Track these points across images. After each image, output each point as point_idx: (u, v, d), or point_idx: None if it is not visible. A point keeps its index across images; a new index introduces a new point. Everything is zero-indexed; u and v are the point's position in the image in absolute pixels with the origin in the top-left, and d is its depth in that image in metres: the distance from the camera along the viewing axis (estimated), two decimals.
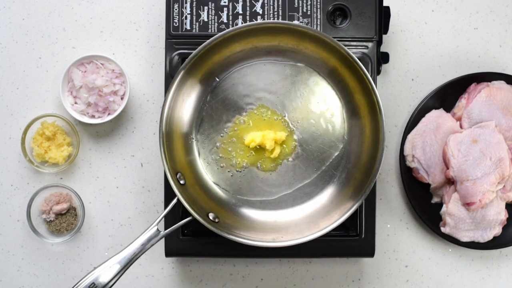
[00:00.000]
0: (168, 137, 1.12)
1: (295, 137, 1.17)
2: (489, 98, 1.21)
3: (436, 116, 1.22)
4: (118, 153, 1.25)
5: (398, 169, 1.25)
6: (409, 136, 1.22)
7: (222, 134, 1.17)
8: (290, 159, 1.17)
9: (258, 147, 1.16)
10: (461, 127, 1.22)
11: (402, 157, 1.22)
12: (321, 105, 1.17)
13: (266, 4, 1.18)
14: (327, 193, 1.17)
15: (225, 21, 1.19)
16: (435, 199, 1.23)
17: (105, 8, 1.25)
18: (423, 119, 1.22)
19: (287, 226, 1.15)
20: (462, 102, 1.22)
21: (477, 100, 1.21)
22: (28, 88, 1.25)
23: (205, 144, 1.17)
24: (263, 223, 1.16)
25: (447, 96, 1.23)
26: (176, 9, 1.18)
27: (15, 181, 1.25)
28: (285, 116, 1.17)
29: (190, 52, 1.12)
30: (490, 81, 1.22)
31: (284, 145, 1.17)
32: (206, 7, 1.19)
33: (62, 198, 1.22)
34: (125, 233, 1.25)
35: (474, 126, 1.20)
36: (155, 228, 1.08)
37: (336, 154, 1.17)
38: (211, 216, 1.12)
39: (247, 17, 1.19)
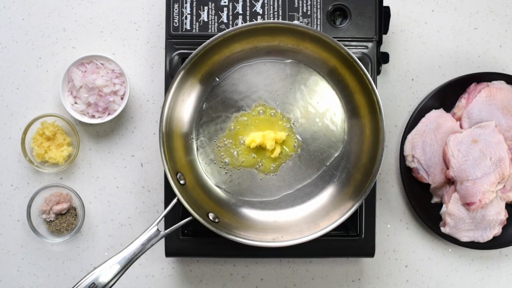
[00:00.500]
0: (168, 137, 1.12)
1: (295, 137, 1.17)
2: (489, 98, 1.21)
3: (436, 116, 1.22)
4: (118, 153, 1.25)
5: (398, 169, 1.25)
6: (409, 136, 1.22)
7: (222, 134, 1.17)
8: (291, 159, 1.17)
9: (258, 147, 1.16)
10: (461, 127, 1.22)
11: (402, 157, 1.22)
12: (321, 105, 1.17)
13: (266, 4, 1.18)
14: (327, 193, 1.17)
15: (225, 21, 1.19)
16: (435, 199, 1.23)
17: (105, 8, 1.25)
18: (423, 119, 1.22)
19: (287, 226, 1.15)
20: (462, 102, 1.22)
21: (477, 100, 1.21)
22: (28, 88, 1.25)
23: (205, 144, 1.17)
24: (263, 223, 1.16)
25: (447, 96, 1.23)
26: (176, 9, 1.18)
27: (15, 181, 1.25)
28: (285, 116, 1.17)
29: (190, 52, 1.12)
30: (490, 81, 1.22)
31: (285, 146, 1.17)
32: (206, 7, 1.19)
33: (62, 198, 1.22)
34: (125, 233, 1.25)
35: (474, 126, 1.20)
36: (155, 228, 1.08)
37: (336, 154, 1.17)
38: (211, 216, 1.12)
39: (247, 17, 1.19)
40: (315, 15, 1.18)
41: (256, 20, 1.19)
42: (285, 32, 1.13)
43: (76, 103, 1.22)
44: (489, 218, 1.19)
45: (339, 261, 1.25)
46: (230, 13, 1.19)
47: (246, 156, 1.17)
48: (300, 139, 1.17)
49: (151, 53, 1.25)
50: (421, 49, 1.26)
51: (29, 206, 1.21)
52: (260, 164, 1.17)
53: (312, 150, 1.17)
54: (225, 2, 1.19)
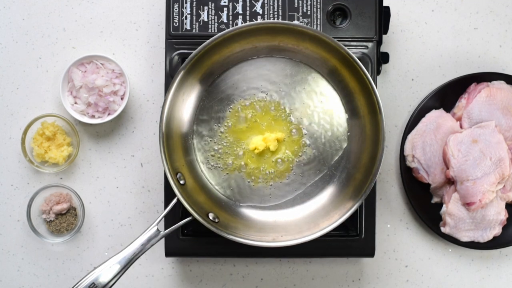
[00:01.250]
0: (168, 137, 1.12)
1: (296, 139, 1.17)
2: (489, 98, 1.21)
3: (436, 116, 1.22)
4: (118, 153, 1.25)
5: (398, 169, 1.25)
6: (409, 136, 1.22)
7: (221, 135, 1.17)
8: (292, 164, 1.17)
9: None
10: (461, 127, 1.22)
11: (402, 157, 1.22)
12: (322, 105, 1.17)
13: (266, 4, 1.18)
14: (327, 193, 1.17)
15: (225, 21, 1.19)
16: (435, 199, 1.23)
17: (105, 8, 1.25)
18: (423, 119, 1.22)
19: (287, 226, 1.15)
20: (462, 102, 1.22)
21: (477, 100, 1.21)
22: (28, 88, 1.25)
23: (205, 145, 1.17)
24: (263, 223, 1.16)
25: (447, 96, 1.23)
26: (176, 9, 1.18)
27: (15, 181, 1.25)
28: (286, 116, 1.17)
29: (190, 52, 1.12)
30: (490, 81, 1.22)
31: (287, 150, 1.17)
32: (206, 7, 1.19)
33: (62, 198, 1.22)
34: (125, 233, 1.25)
35: (474, 126, 1.20)
36: (155, 228, 1.08)
37: (337, 154, 1.17)
38: (211, 216, 1.12)
39: (247, 17, 1.19)
40: (315, 15, 1.18)
41: (256, 20, 1.19)
42: (285, 32, 1.13)
43: (76, 103, 1.22)
44: (489, 218, 1.19)
45: (339, 261, 1.25)
46: (230, 13, 1.19)
47: (247, 159, 1.17)
48: (302, 140, 1.17)
49: (151, 53, 1.25)
50: (421, 49, 1.26)
51: (29, 206, 1.21)
52: (260, 169, 1.17)
53: (314, 152, 1.17)
54: (225, 2, 1.19)
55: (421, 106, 1.23)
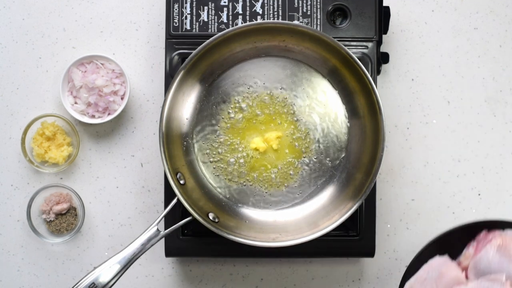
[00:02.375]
0: (168, 137, 1.12)
1: (301, 140, 1.17)
2: (501, 249, 1.09)
3: (439, 264, 1.11)
4: (118, 153, 1.25)
5: (398, 169, 1.25)
6: (407, 284, 1.12)
7: (222, 135, 1.17)
8: (295, 166, 1.17)
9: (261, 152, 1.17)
10: (466, 277, 1.11)
11: None
12: (322, 105, 1.17)
13: (266, 4, 1.18)
14: (327, 193, 1.17)
15: (225, 21, 1.19)
16: None
17: (105, 8, 1.25)
18: (425, 266, 1.11)
19: (287, 226, 1.15)
20: (470, 250, 1.12)
21: (486, 250, 1.09)
22: (28, 88, 1.25)
23: (205, 145, 1.17)
24: (263, 223, 1.16)
25: (454, 241, 1.13)
26: (176, 9, 1.18)
27: (15, 181, 1.25)
28: (286, 116, 1.17)
29: (190, 52, 1.12)
30: (503, 229, 1.12)
31: (288, 151, 1.17)
32: (206, 7, 1.19)
33: (62, 198, 1.22)
34: (125, 233, 1.25)
35: (481, 278, 1.08)
36: (155, 228, 1.08)
37: (337, 154, 1.17)
38: (211, 216, 1.12)
39: (247, 17, 1.19)
40: (315, 15, 1.18)
41: (256, 20, 1.19)
42: (285, 32, 1.13)
43: (76, 103, 1.22)
44: None
45: (339, 261, 1.25)
46: (230, 13, 1.19)
47: (247, 159, 1.17)
48: (302, 141, 1.17)
49: (151, 53, 1.25)
50: (421, 49, 1.26)
51: (29, 206, 1.21)
52: (261, 170, 1.17)
53: (314, 152, 1.17)
54: (225, 2, 1.19)
55: (423, 250, 1.13)
